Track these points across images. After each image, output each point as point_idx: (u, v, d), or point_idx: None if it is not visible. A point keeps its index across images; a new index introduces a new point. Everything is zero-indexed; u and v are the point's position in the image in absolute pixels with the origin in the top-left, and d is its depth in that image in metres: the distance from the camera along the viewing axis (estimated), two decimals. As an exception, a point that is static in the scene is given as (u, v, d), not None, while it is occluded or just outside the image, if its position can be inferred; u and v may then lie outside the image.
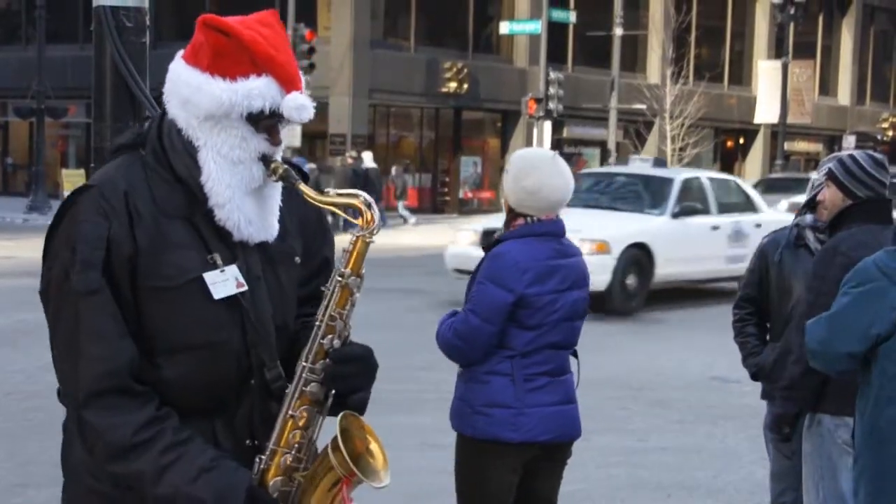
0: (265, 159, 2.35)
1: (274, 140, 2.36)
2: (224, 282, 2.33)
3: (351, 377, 2.36)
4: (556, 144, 35.03)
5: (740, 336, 5.17)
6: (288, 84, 2.32)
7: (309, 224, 2.54)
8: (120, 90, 3.55)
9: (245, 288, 2.35)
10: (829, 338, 3.75)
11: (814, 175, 4.81)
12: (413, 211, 32.72)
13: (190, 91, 2.33)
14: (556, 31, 34.77)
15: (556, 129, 35.55)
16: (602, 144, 36.94)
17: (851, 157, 4.56)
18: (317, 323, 2.34)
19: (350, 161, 28.43)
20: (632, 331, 13.47)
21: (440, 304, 13.82)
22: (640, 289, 14.89)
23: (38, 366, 10.13)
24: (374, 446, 2.37)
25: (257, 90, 2.30)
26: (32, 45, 33.32)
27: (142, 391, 2.29)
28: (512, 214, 4.31)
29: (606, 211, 15.50)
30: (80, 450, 2.36)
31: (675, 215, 15.66)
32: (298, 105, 2.32)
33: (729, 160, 46.28)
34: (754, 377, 5.12)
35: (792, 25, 37.12)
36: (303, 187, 2.35)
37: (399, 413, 8.23)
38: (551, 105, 32.23)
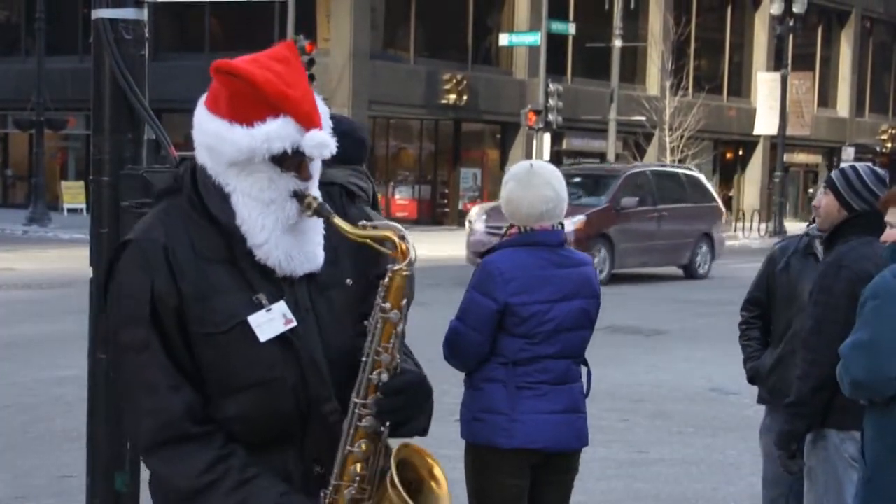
0: (298, 195, 2.36)
1: (303, 176, 2.36)
2: (270, 321, 2.35)
3: (401, 409, 2.36)
4: (556, 156, 35.06)
5: (743, 338, 5.22)
6: (306, 121, 2.32)
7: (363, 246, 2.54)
8: (119, 102, 3.55)
9: (294, 324, 2.37)
10: (875, 365, 3.69)
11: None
12: (413, 223, 32.76)
13: (212, 139, 2.35)
14: (555, 42, 34.81)
15: (556, 140, 35.58)
16: (601, 156, 36.94)
17: (854, 168, 4.58)
18: (363, 359, 2.34)
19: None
20: (631, 343, 13.45)
21: (440, 316, 13.79)
22: None
23: (36, 378, 10.12)
24: (437, 471, 2.41)
25: (275, 132, 2.30)
26: (32, 56, 33.36)
27: (202, 433, 2.33)
28: (510, 224, 4.37)
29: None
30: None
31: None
32: (318, 143, 2.33)
33: (728, 172, 46.32)
34: (751, 381, 5.16)
35: (791, 37, 37.19)
36: (338, 221, 2.35)
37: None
38: (551, 117, 32.25)
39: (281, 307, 2.36)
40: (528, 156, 33.14)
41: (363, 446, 2.34)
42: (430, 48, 35.40)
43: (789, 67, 37.80)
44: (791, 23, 36.09)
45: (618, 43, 33.32)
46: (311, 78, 28.16)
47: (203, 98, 2.41)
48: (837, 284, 4.25)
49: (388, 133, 35.84)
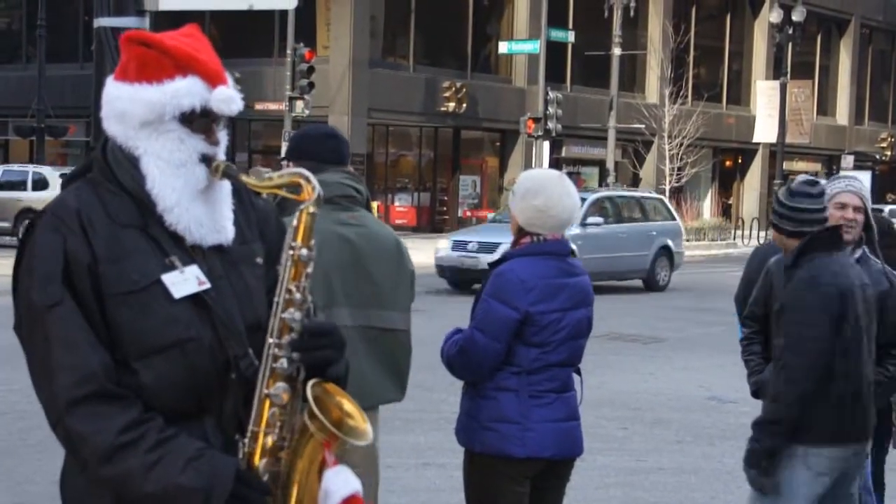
0: (206, 159, 2.41)
1: (211, 139, 2.42)
2: (184, 281, 2.37)
3: (317, 349, 2.36)
4: (555, 164, 35.09)
5: (745, 354, 5.23)
6: (213, 79, 2.40)
7: (269, 226, 2.59)
8: (120, 110, 3.56)
9: (208, 285, 2.39)
10: None
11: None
12: (412, 230, 32.79)
13: (123, 104, 2.41)
14: (554, 50, 34.86)
15: (555, 148, 35.64)
16: (600, 164, 36.99)
17: (776, 195, 4.69)
18: (275, 299, 2.35)
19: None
20: (630, 351, 13.46)
21: (439, 323, 13.82)
22: None
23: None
24: (348, 407, 2.36)
25: (185, 89, 2.37)
26: (33, 64, 33.42)
27: (122, 394, 2.32)
28: (520, 234, 4.36)
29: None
30: (80, 478, 2.38)
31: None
32: (225, 97, 2.40)
33: (727, 180, 46.38)
34: (754, 395, 5.16)
35: (790, 46, 37.26)
36: (245, 178, 2.41)
37: (397, 432, 8.23)
38: (550, 124, 32.29)
39: (194, 270, 2.39)
40: (528, 163, 33.19)
41: (280, 391, 2.32)
42: (429, 56, 35.45)
43: (788, 75, 37.87)
44: (790, 31, 36.17)
45: (617, 51, 33.37)
46: (311, 86, 28.24)
47: (111, 76, 2.47)
48: (811, 302, 4.32)
49: (388, 140, 35.88)
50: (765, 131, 41.65)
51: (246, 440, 2.34)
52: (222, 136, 2.47)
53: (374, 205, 29.04)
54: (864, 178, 37.94)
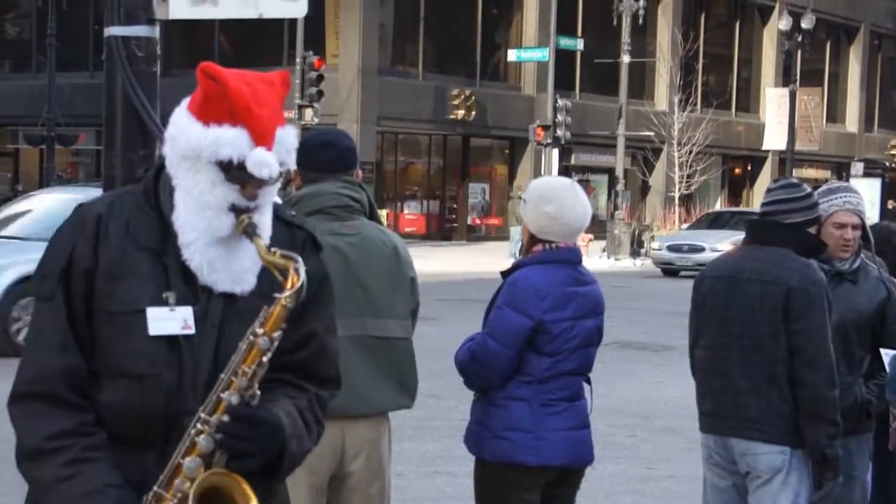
0: (236, 210, 2.38)
1: (247, 192, 2.38)
2: (168, 320, 2.38)
3: (240, 439, 2.31)
4: (564, 171, 35.08)
5: None
6: (258, 138, 2.35)
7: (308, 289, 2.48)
8: (131, 119, 3.57)
9: (191, 331, 2.39)
10: None
11: (821, 206, 4.86)
12: (421, 238, 32.81)
13: (175, 129, 2.43)
14: (563, 58, 34.87)
15: (564, 155, 35.61)
16: (610, 171, 36.97)
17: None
18: (221, 375, 2.33)
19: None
20: (641, 358, 13.45)
21: (450, 331, 13.82)
22: None
23: (46, 393, 10.15)
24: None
25: (227, 139, 2.34)
26: (43, 73, 33.53)
27: (70, 402, 2.37)
28: (532, 241, 4.35)
29: None
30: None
31: None
32: (259, 160, 2.34)
33: (737, 187, 46.34)
34: None
35: (799, 53, 37.24)
36: (258, 242, 2.36)
37: (407, 440, 8.22)
38: (559, 132, 32.28)
39: (185, 312, 2.39)
40: (537, 171, 33.18)
41: (195, 463, 2.30)
42: (438, 64, 35.49)
43: (798, 83, 37.82)
44: (799, 38, 36.14)
45: (626, 58, 33.35)
46: (320, 94, 28.26)
47: (188, 98, 2.49)
48: (819, 307, 4.36)
49: (397, 148, 35.91)
50: (774, 138, 41.60)
51: (149, 497, 2.33)
52: (266, 195, 2.41)
53: (384, 213, 29.06)
54: (874, 186, 37.91)
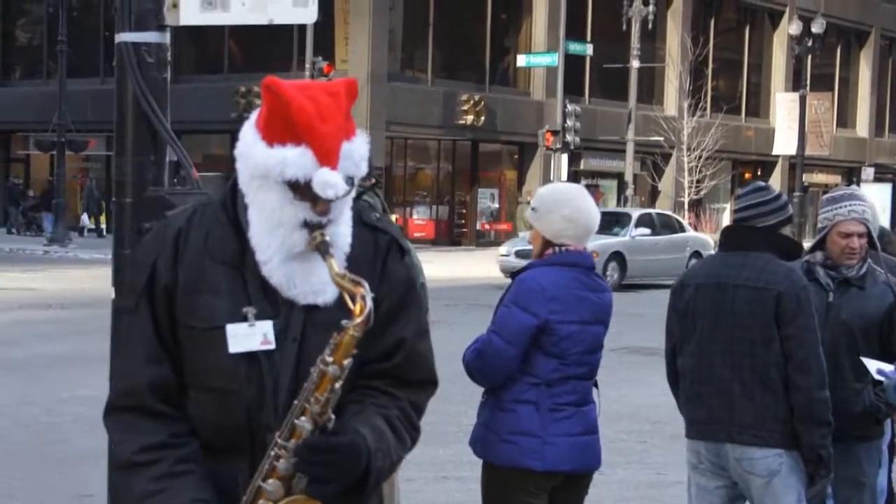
0: (309, 226, 2.35)
1: (318, 208, 2.34)
2: (248, 336, 2.36)
3: (315, 465, 2.30)
4: (573, 177, 35.06)
5: None
6: (323, 158, 2.31)
7: (389, 299, 2.47)
8: (141, 125, 3.59)
9: (271, 347, 2.38)
10: None
11: (826, 214, 4.87)
12: (430, 243, 32.79)
13: (243, 147, 2.40)
14: (573, 63, 34.85)
15: (573, 160, 35.60)
16: (619, 176, 36.94)
17: None
18: (295, 402, 2.32)
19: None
20: (651, 364, 13.42)
21: (459, 336, 13.82)
22: None
23: (56, 398, 10.17)
24: None
25: (291, 160, 2.30)
26: (54, 79, 33.60)
27: (161, 413, 2.39)
28: (545, 247, 4.37)
29: None
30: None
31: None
32: (323, 181, 2.30)
33: (747, 192, 46.17)
34: None
35: (809, 57, 37.17)
36: (330, 262, 2.33)
37: (417, 445, 8.22)
38: (568, 137, 32.28)
39: (265, 327, 2.38)
40: (546, 176, 33.17)
41: (275, 486, 2.31)
42: (447, 69, 35.50)
43: (808, 87, 37.75)
44: (809, 43, 36.06)
45: (635, 63, 33.34)
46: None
47: (255, 112, 2.46)
48: (811, 307, 4.40)
49: (406, 154, 35.92)
50: (784, 143, 41.51)
51: None
52: (340, 206, 2.37)
53: (393, 217, 29.07)
54: (885, 191, 37.84)
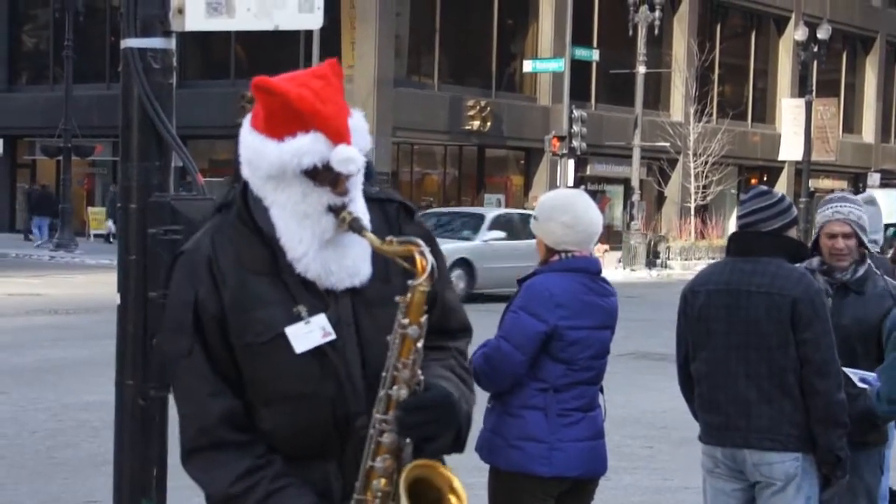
0: (333, 209, 2.39)
1: (338, 190, 2.38)
2: (308, 333, 2.39)
3: (420, 426, 2.34)
4: (580, 182, 35.06)
5: None
6: (335, 136, 2.35)
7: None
8: (147, 130, 3.59)
9: (332, 337, 2.40)
10: None
11: (817, 218, 4.87)
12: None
13: (250, 153, 2.41)
14: (579, 68, 34.87)
15: (580, 166, 35.59)
16: (625, 182, 36.93)
17: None
18: (383, 374, 2.35)
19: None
20: (657, 369, 13.40)
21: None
22: None
23: (63, 404, 10.17)
24: (456, 484, 2.40)
25: (305, 147, 2.34)
26: (60, 84, 33.66)
27: (240, 442, 2.39)
28: (549, 254, 4.37)
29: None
30: None
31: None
32: (343, 158, 2.35)
33: (753, 197, 46.13)
34: None
35: (815, 63, 37.14)
36: (368, 235, 2.37)
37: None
38: (574, 142, 32.28)
39: (320, 320, 2.40)
40: (553, 182, 33.16)
41: (386, 462, 2.34)
42: (454, 74, 35.52)
43: (814, 93, 37.73)
44: (815, 49, 36.06)
45: (642, 69, 33.32)
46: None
47: (249, 116, 2.48)
48: (826, 310, 4.41)
49: (413, 159, 35.95)
50: (790, 149, 41.49)
51: None
52: (355, 183, 2.42)
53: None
54: (891, 196, 37.79)
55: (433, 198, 36.67)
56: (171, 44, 3.62)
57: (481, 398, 4.68)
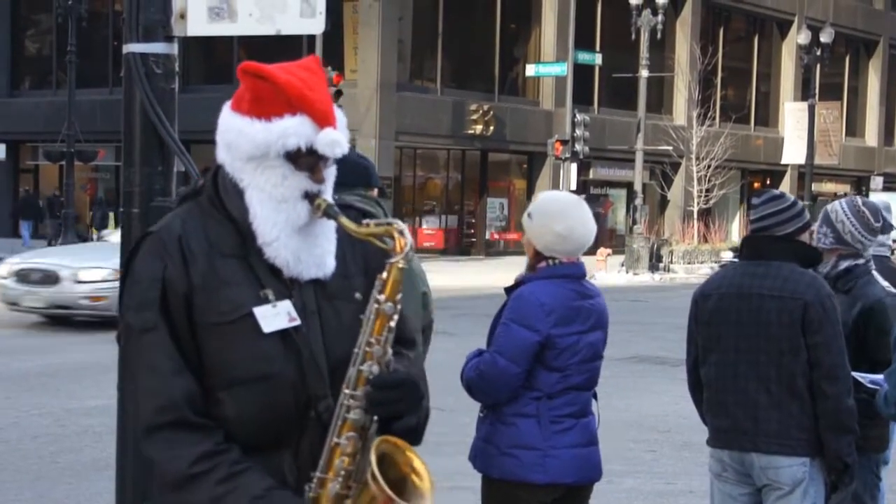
0: (309, 196, 2.43)
1: (315, 177, 2.43)
2: (275, 316, 2.41)
3: (391, 403, 2.37)
4: (582, 186, 35.06)
5: None
6: (322, 121, 2.41)
7: (376, 261, 2.52)
8: (149, 135, 3.60)
9: (298, 322, 2.42)
10: None
11: (815, 225, 4.87)
12: (440, 252, 32.78)
13: (232, 135, 2.44)
14: (582, 72, 34.86)
15: (583, 170, 35.60)
16: (628, 186, 36.92)
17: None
18: (355, 350, 2.38)
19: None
20: (660, 373, 13.40)
21: (467, 346, 13.77)
22: None
23: (65, 409, 10.18)
24: (417, 464, 2.41)
25: (292, 128, 2.39)
26: (63, 89, 33.67)
27: (201, 424, 2.38)
28: (537, 258, 4.34)
29: None
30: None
31: None
32: (330, 140, 2.41)
33: (756, 201, 46.13)
34: None
35: (818, 67, 37.15)
36: (343, 220, 2.42)
37: (425, 455, 8.19)
38: (577, 147, 32.27)
39: (286, 305, 2.42)
40: (556, 185, 33.15)
41: (350, 441, 2.35)
42: (456, 79, 35.54)
43: (817, 97, 37.74)
44: (818, 52, 36.05)
45: (644, 73, 33.32)
46: (339, 109, 28.30)
47: (228, 102, 2.51)
48: (836, 314, 4.41)
49: (415, 163, 35.96)
50: (793, 153, 41.49)
51: (312, 485, 2.37)
52: (329, 173, 2.48)
53: (402, 228, 29.03)
54: (894, 200, 37.78)
55: (436, 202, 36.69)
56: (174, 49, 3.63)
57: (473, 407, 4.70)
